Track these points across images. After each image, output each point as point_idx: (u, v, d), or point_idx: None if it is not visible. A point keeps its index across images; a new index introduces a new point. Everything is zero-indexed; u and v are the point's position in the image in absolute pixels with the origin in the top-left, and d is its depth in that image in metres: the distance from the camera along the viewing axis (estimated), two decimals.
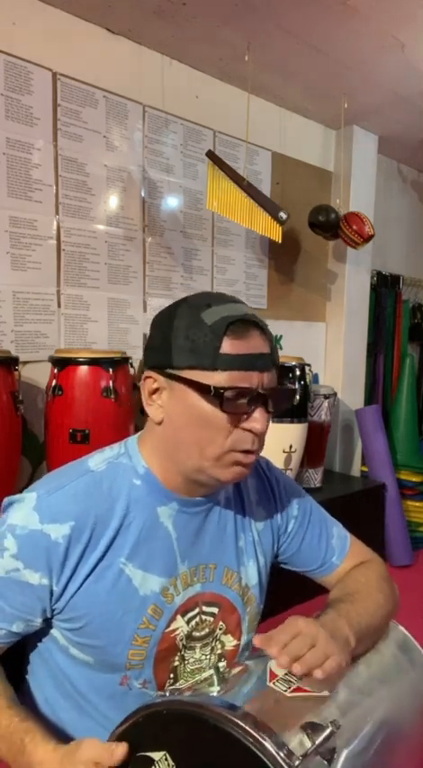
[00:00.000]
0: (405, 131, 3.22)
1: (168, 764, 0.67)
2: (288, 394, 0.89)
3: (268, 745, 0.61)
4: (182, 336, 0.81)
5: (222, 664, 0.95)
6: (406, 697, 0.85)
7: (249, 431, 0.82)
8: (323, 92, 2.75)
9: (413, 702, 0.86)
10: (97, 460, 0.90)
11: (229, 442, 0.82)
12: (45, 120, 2.11)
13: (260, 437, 0.84)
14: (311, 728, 0.65)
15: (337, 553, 1.05)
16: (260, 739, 0.62)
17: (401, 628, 0.96)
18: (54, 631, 0.89)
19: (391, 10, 2.09)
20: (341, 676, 0.77)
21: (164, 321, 0.84)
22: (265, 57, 2.41)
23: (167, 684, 0.91)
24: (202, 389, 0.80)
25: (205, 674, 0.92)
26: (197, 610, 0.93)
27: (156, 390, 0.86)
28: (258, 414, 0.82)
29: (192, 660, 0.93)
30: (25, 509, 0.83)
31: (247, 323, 0.81)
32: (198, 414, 0.81)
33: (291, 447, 2.35)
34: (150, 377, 0.86)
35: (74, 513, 0.83)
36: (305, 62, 2.47)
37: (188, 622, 0.91)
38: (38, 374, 2.13)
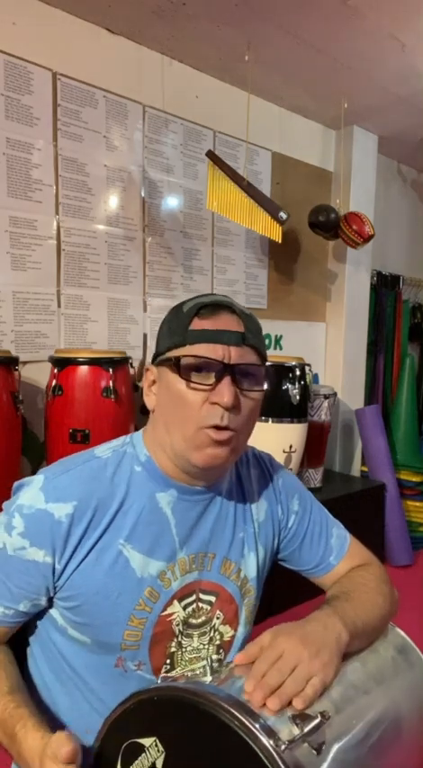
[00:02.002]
0: (405, 131, 3.22)
1: (158, 750, 0.67)
2: (260, 370, 0.89)
3: (255, 729, 0.62)
4: (165, 326, 0.91)
5: (216, 656, 0.96)
6: (402, 697, 0.84)
7: (217, 404, 0.83)
8: (323, 92, 2.75)
9: (410, 703, 0.85)
10: (103, 449, 0.95)
11: (199, 417, 0.84)
12: (45, 120, 2.11)
13: (232, 413, 0.84)
14: (300, 718, 0.66)
15: (335, 553, 1.05)
16: (247, 724, 0.62)
17: (400, 630, 0.95)
18: (53, 612, 0.91)
19: (391, 10, 2.09)
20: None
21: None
22: (265, 57, 2.41)
23: (163, 670, 0.92)
24: (169, 362, 0.86)
25: (198, 665, 0.93)
26: (194, 596, 0.94)
27: (153, 382, 0.92)
28: (224, 386, 0.83)
29: (189, 648, 0.94)
30: (33, 490, 0.87)
31: (219, 306, 0.87)
32: (173, 392, 0.86)
33: (291, 447, 2.35)
34: (148, 370, 0.94)
35: (77, 494, 0.86)
36: (305, 62, 2.47)
37: (185, 608, 0.93)
38: (38, 374, 2.13)
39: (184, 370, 0.84)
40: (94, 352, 2.12)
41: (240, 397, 0.85)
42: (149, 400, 0.93)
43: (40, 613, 0.92)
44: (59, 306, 2.21)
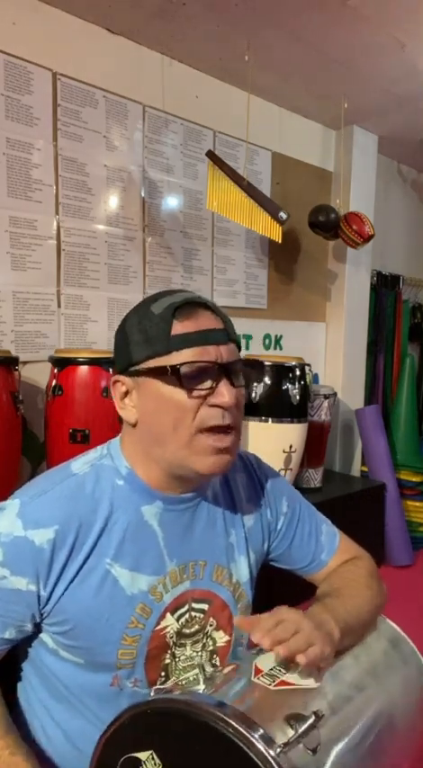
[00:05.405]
0: (405, 131, 3.22)
1: (155, 763, 0.67)
2: (247, 365, 0.90)
3: (249, 734, 0.62)
4: (136, 332, 0.84)
5: (209, 669, 0.94)
6: (397, 690, 0.85)
7: (217, 405, 0.82)
8: (323, 92, 2.75)
9: (404, 695, 0.85)
10: (80, 463, 0.91)
11: (197, 420, 0.82)
12: (45, 120, 2.11)
13: (230, 411, 0.83)
14: (294, 719, 0.66)
15: (326, 550, 1.05)
16: (241, 729, 0.62)
17: (390, 622, 0.96)
18: (43, 635, 0.89)
19: (391, 10, 2.09)
20: (326, 669, 0.77)
21: (121, 326, 0.88)
22: (265, 57, 2.41)
23: (158, 682, 0.91)
24: (160, 372, 0.81)
25: (190, 674, 0.93)
26: (187, 607, 0.92)
27: (126, 394, 0.87)
28: (223, 387, 0.82)
29: (183, 657, 0.93)
30: (9, 516, 0.84)
31: (194, 304, 0.84)
32: (164, 400, 0.82)
33: (291, 447, 2.34)
34: (118, 381, 0.88)
35: (58, 517, 0.83)
36: (305, 62, 2.47)
37: (178, 620, 0.91)
38: (38, 374, 2.13)
39: (185, 380, 0.80)
40: (94, 352, 2.12)
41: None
42: (128, 414, 0.87)
43: (31, 637, 0.90)
44: (59, 306, 2.21)
